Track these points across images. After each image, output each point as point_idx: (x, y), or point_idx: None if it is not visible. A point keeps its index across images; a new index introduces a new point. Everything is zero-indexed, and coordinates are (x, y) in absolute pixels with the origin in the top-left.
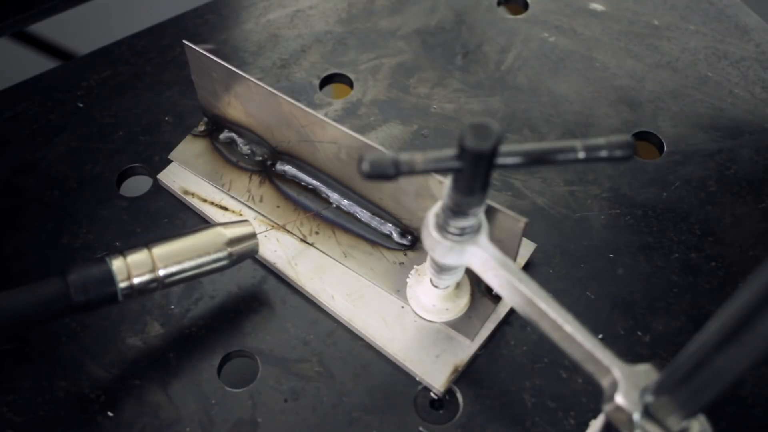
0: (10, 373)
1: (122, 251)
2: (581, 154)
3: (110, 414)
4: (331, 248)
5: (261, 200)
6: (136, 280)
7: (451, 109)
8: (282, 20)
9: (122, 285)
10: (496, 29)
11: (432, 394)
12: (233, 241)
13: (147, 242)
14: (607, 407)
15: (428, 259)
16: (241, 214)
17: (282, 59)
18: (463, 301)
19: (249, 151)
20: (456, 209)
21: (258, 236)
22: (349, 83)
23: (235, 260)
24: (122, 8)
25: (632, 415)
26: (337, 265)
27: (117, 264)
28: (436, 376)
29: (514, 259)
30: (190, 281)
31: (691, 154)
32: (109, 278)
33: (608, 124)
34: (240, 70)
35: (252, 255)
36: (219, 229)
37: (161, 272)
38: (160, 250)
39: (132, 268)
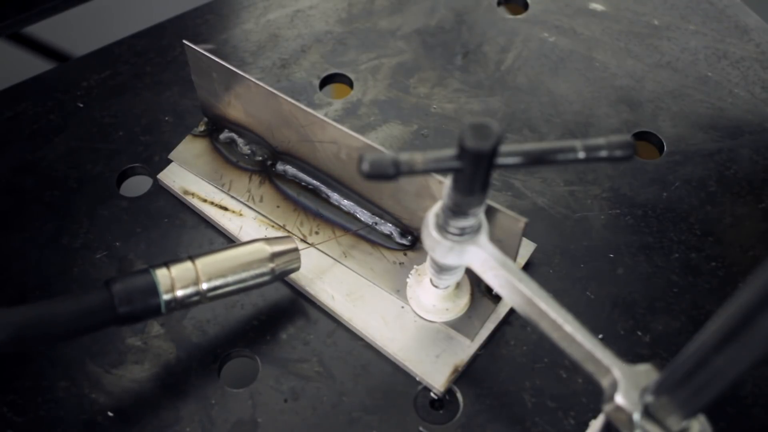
0: (10, 373)
1: (166, 263)
2: (581, 154)
3: (110, 414)
4: (331, 248)
5: (261, 200)
6: (179, 293)
7: (451, 109)
8: (282, 20)
9: (166, 297)
10: (496, 29)
11: (432, 394)
12: (275, 257)
13: (191, 255)
14: (607, 407)
15: (428, 259)
16: (241, 214)
17: (282, 59)
18: (463, 301)
19: (249, 151)
20: (456, 209)
21: (300, 253)
22: (349, 83)
23: (277, 276)
24: (122, 8)
25: (632, 415)
26: (337, 265)
27: (161, 275)
28: (436, 376)
29: (514, 259)
30: (231, 296)
31: (691, 154)
32: (154, 290)
33: (608, 124)
34: (240, 70)
35: (294, 270)
36: (262, 244)
37: (204, 285)
38: (203, 263)
39: (176, 280)
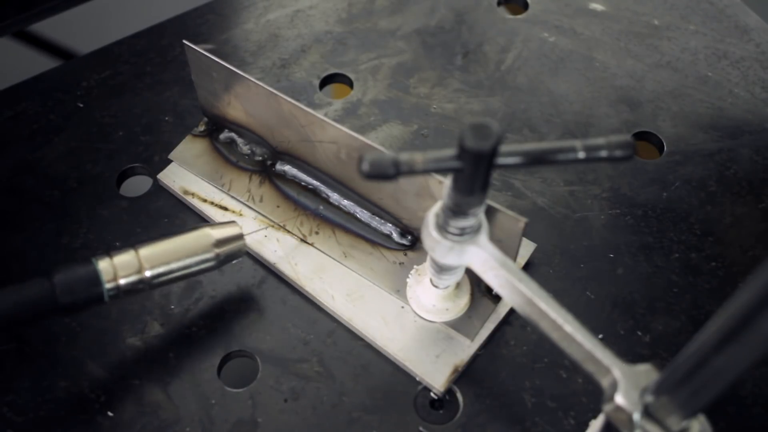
0: (10, 373)
1: (108, 252)
2: (581, 154)
3: (110, 414)
4: (331, 248)
5: (261, 200)
6: (122, 281)
7: (451, 109)
8: (282, 20)
9: (108, 286)
10: (496, 29)
11: (432, 394)
12: (220, 242)
13: (134, 243)
14: (607, 407)
15: (428, 259)
16: (241, 214)
17: (282, 59)
18: (463, 301)
19: (249, 151)
20: (456, 209)
21: (246, 237)
22: (349, 83)
23: (222, 261)
24: (122, 8)
25: (632, 415)
26: (337, 265)
27: (103, 265)
28: (436, 376)
29: (514, 259)
30: (179, 281)
31: (691, 154)
32: (96, 279)
33: (608, 124)
34: (240, 70)
35: (239, 256)
36: (206, 230)
37: (148, 273)
38: (146, 251)
39: (118, 269)
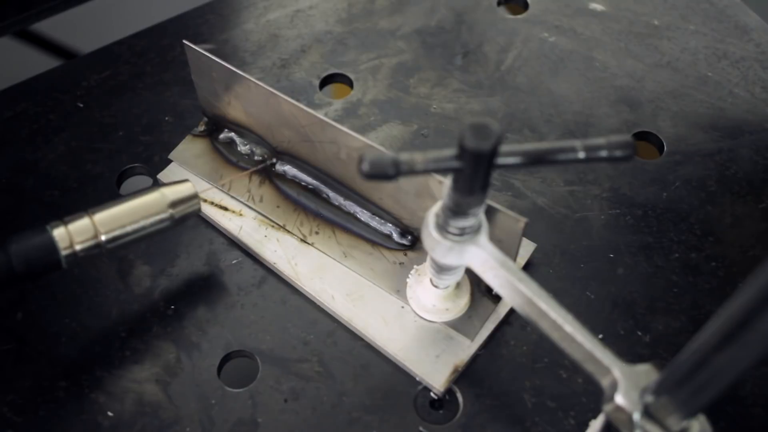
0: (10, 373)
1: (63, 218)
2: (581, 154)
3: (110, 414)
4: (331, 248)
5: (261, 200)
6: (78, 247)
7: (451, 109)
8: (282, 20)
9: (65, 253)
10: (496, 29)
11: (432, 394)
12: (175, 203)
13: (87, 208)
14: (607, 407)
15: (428, 259)
16: (241, 214)
17: (282, 59)
18: (463, 301)
19: (249, 151)
20: (456, 209)
21: (199, 196)
22: (349, 83)
23: (177, 221)
24: (122, 8)
25: (632, 415)
26: (337, 265)
27: (58, 232)
28: (436, 376)
29: (514, 259)
30: (135, 243)
31: (691, 154)
32: (52, 247)
33: (608, 124)
34: (240, 70)
35: (194, 215)
36: (161, 190)
37: (103, 237)
38: (101, 216)
39: (74, 235)
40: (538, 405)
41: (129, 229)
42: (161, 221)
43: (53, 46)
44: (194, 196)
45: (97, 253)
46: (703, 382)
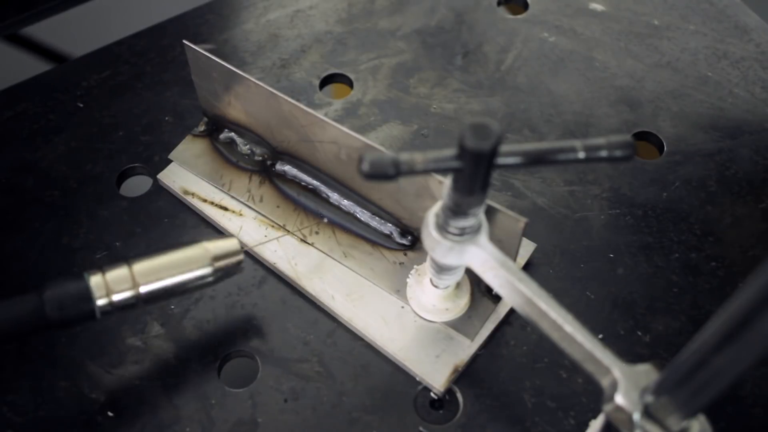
0: (10, 373)
1: (101, 267)
2: (581, 154)
3: (110, 414)
4: (331, 248)
5: (261, 200)
6: (115, 297)
7: (451, 109)
8: (282, 20)
9: (100, 303)
10: (496, 29)
11: (432, 394)
12: (217, 258)
13: (128, 258)
14: (607, 407)
15: (428, 259)
16: (241, 214)
17: (282, 59)
18: (463, 301)
19: (249, 151)
20: (456, 209)
21: (245, 246)
22: (349, 83)
23: (219, 277)
24: (122, 8)
25: (632, 415)
26: (337, 265)
27: (95, 280)
28: (436, 376)
29: (514, 259)
30: (174, 297)
31: (691, 154)
32: (86, 295)
33: (608, 124)
34: (240, 70)
35: (237, 272)
36: (203, 244)
37: (142, 289)
38: (140, 267)
39: (111, 284)
40: (538, 405)
41: (169, 282)
42: (202, 276)
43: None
44: (238, 252)
45: (134, 305)
46: (703, 382)
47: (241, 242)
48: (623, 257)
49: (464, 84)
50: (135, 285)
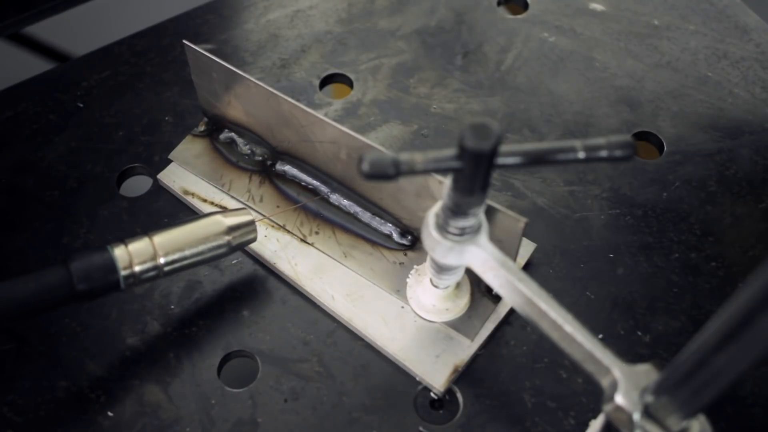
0: (10, 373)
1: (123, 239)
2: (581, 154)
3: (110, 414)
4: (331, 248)
5: (261, 200)
6: (137, 268)
7: (451, 109)
8: (282, 20)
9: (124, 273)
10: (496, 29)
11: (432, 394)
12: (232, 229)
13: (147, 231)
14: (607, 407)
15: (428, 259)
16: None
17: (282, 59)
18: (463, 301)
19: (249, 151)
20: (456, 209)
21: (256, 225)
22: (349, 83)
23: (234, 248)
24: (122, 8)
25: (632, 415)
26: (337, 265)
27: (119, 252)
28: (436, 376)
29: (514, 259)
30: (190, 269)
31: (691, 154)
32: (112, 266)
33: (608, 124)
34: (240, 70)
35: (250, 243)
36: (218, 217)
37: (162, 260)
38: (160, 238)
39: (134, 256)
40: (538, 405)
41: (187, 252)
42: (218, 247)
43: (52, 50)
44: (251, 223)
45: (155, 276)
46: (703, 382)
47: (252, 213)
48: (623, 257)
49: (464, 84)
50: (155, 255)
